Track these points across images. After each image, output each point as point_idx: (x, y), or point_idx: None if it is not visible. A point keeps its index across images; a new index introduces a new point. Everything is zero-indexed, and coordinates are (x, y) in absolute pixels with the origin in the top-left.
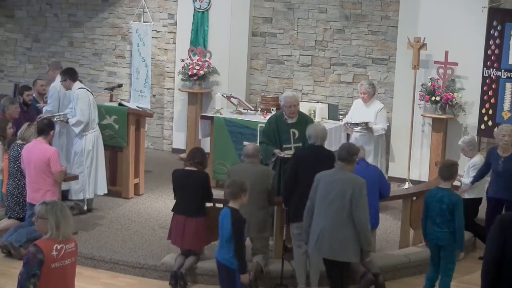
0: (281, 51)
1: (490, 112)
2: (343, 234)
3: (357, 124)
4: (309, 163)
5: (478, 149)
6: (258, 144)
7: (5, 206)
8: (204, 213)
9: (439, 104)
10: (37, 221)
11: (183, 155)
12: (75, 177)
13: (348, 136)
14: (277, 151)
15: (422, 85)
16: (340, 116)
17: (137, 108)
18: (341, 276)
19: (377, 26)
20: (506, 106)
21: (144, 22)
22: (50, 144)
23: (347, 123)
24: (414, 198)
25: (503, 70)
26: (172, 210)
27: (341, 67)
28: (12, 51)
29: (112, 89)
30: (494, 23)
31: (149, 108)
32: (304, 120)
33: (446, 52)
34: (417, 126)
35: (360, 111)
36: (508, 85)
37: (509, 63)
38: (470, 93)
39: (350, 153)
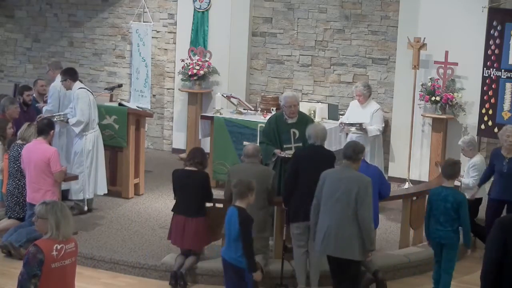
0: (281, 51)
1: (490, 112)
2: (349, 232)
3: (351, 125)
4: (309, 163)
5: (478, 149)
6: (258, 144)
7: (5, 206)
8: (204, 213)
9: (439, 104)
10: (37, 221)
11: (183, 155)
12: (75, 177)
13: (347, 136)
14: (277, 151)
15: (422, 85)
16: (340, 116)
17: (137, 108)
18: (355, 276)
19: (377, 26)
20: (506, 106)
21: (144, 22)
22: (50, 144)
23: (341, 123)
24: (414, 198)
25: (503, 70)
26: (172, 210)
27: (341, 67)
28: (12, 51)
29: (112, 89)
30: (494, 23)
31: (149, 108)
32: (305, 120)
33: (446, 52)
34: (417, 126)
35: (356, 112)
36: (508, 85)
37: (509, 63)
38: (470, 93)
39: (355, 151)
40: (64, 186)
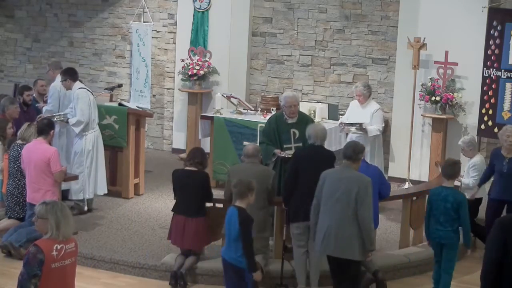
0: (281, 51)
1: (490, 112)
2: (349, 232)
3: (351, 125)
4: (309, 163)
5: (478, 149)
6: (258, 144)
7: (5, 206)
8: (204, 213)
9: (439, 104)
10: (37, 221)
11: (183, 155)
12: (75, 177)
13: (347, 136)
14: (277, 151)
15: (422, 85)
16: (340, 116)
17: (137, 108)
18: (355, 276)
19: (377, 26)
20: (506, 106)
21: (144, 22)
22: (50, 144)
23: (341, 123)
24: (414, 198)
25: (503, 70)
26: (172, 210)
27: (341, 67)
28: (12, 51)
29: (112, 89)
30: (494, 23)
31: (149, 108)
32: (305, 120)
33: (446, 52)
34: (417, 126)
35: (356, 112)
36: (508, 85)
37: (509, 63)
38: (470, 93)
39: (355, 151)
40: (64, 186)
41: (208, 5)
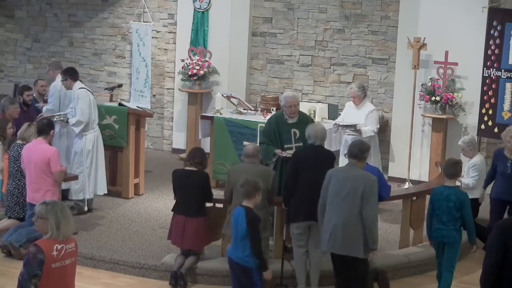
0: (281, 51)
1: (490, 112)
2: (355, 230)
3: (345, 126)
4: (309, 163)
5: (478, 149)
6: (258, 145)
7: (5, 206)
8: (204, 213)
9: (439, 104)
10: (37, 221)
11: (183, 155)
12: (75, 177)
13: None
14: (278, 151)
15: (422, 85)
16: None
17: (137, 108)
18: (365, 274)
19: (377, 26)
20: (506, 106)
21: (144, 22)
22: (50, 144)
23: (335, 124)
24: (414, 198)
25: (503, 70)
26: (172, 210)
27: (341, 67)
28: (12, 51)
29: (112, 89)
30: (494, 23)
31: (149, 108)
32: (305, 120)
33: (446, 52)
34: (417, 126)
35: (351, 113)
36: (508, 85)
37: (509, 63)
38: (470, 93)
39: (361, 150)
40: (64, 185)
41: (208, 5)
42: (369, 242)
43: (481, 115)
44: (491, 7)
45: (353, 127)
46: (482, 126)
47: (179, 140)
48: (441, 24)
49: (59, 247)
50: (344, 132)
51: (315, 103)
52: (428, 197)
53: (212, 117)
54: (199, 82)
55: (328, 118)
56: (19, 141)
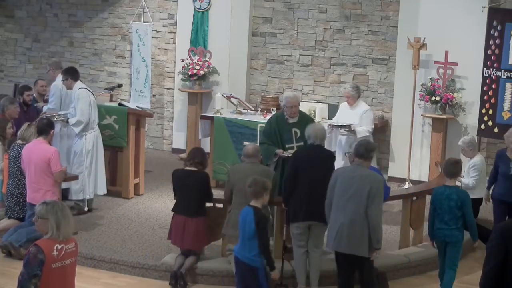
0: (281, 51)
1: (490, 112)
2: (361, 229)
3: (340, 127)
4: (309, 163)
5: (478, 149)
6: (258, 145)
7: (5, 206)
8: (204, 213)
9: (439, 104)
10: (38, 221)
11: (183, 155)
12: (75, 177)
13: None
14: (279, 151)
15: (422, 85)
16: None
17: (137, 108)
18: (371, 273)
19: (377, 26)
20: (506, 106)
21: (144, 22)
22: (50, 144)
23: (329, 125)
24: (414, 198)
25: (503, 70)
26: (172, 210)
27: (341, 67)
28: (12, 51)
29: (112, 89)
30: (494, 23)
31: (149, 108)
32: (305, 120)
33: (446, 52)
34: (417, 126)
35: (346, 114)
36: (508, 85)
37: (509, 63)
38: (470, 93)
39: (367, 149)
40: (64, 185)
41: (208, 5)
42: (373, 241)
43: (481, 115)
44: (491, 7)
45: (348, 127)
46: (482, 126)
47: (179, 140)
48: (441, 24)
49: (59, 247)
50: (339, 132)
51: (315, 103)
52: (428, 197)
53: (212, 117)
54: (199, 82)
55: (328, 118)
56: (19, 141)
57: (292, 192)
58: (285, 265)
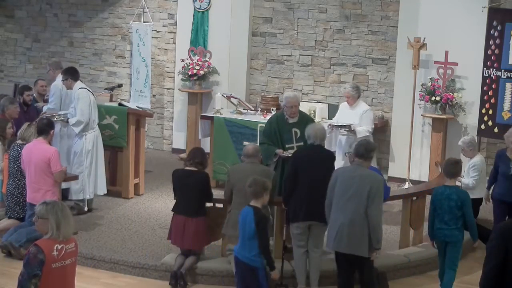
0: (281, 51)
1: (490, 112)
2: (361, 229)
3: (340, 127)
4: (308, 163)
5: (478, 149)
6: (258, 145)
7: (5, 206)
8: (204, 213)
9: (439, 104)
10: (38, 221)
11: (183, 155)
12: (75, 177)
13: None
14: (279, 151)
15: (422, 85)
16: None
17: (137, 108)
18: (371, 272)
19: (377, 26)
20: (506, 106)
21: (144, 22)
22: (50, 144)
23: (329, 125)
24: (414, 198)
25: (503, 70)
26: (172, 210)
27: (341, 67)
28: (12, 51)
29: (112, 89)
30: (494, 23)
31: (149, 108)
32: (305, 120)
33: (446, 52)
34: (417, 126)
35: (346, 114)
36: (508, 85)
37: (509, 63)
38: (470, 93)
39: (367, 149)
40: (64, 185)
41: (208, 5)
42: (373, 241)
43: (481, 115)
44: (491, 7)
45: (348, 127)
46: (482, 126)
47: (179, 140)
48: (441, 24)
49: (59, 247)
50: (339, 132)
51: (315, 103)
52: (428, 197)
53: (212, 117)
54: (199, 82)
55: (328, 118)
56: (19, 141)
57: (292, 192)
58: (285, 265)
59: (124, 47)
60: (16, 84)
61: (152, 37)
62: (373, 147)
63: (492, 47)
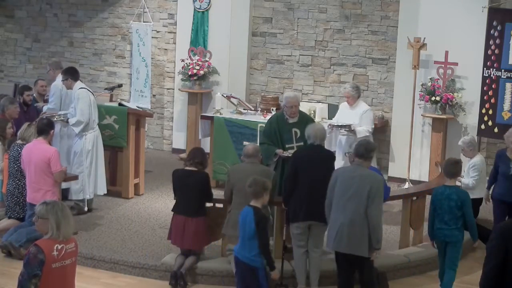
0: (281, 51)
1: (490, 112)
2: (361, 229)
3: (340, 127)
4: (308, 163)
5: (478, 149)
6: (258, 145)
7: (5, 206)
8: (204, 213)
9: (439, 104)
10: (38, 221)
11: (183, 155)
12: (75, 177)
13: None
14: (279, 151)
15: (422, 85)
16: None
17: (137, 108)
18: (371, 272)
19: (377, 26)
20: (506, 106)
21: (144, 22)
22: (50, 144)
23: (330, 125)
24: (414, 198)
25: (503, 70)
26: (172, 210)
27: (341, 67)
28: (12, 51)
29: (112, 89)
30: (494, 23)
31: (149, 108)
32: (305, 120)
33: (446, 52)
34: (417, 126)
35: (346, 114)
36: (508, 85)
37: (509, 63)
38: (470, 93)
39: (367, 149)
40: (64, 185)
41: (208, 5)
42: (373, 241)
43: (481, 115)
44: (491, 7)
45: (348, 128)
46: (482, 126)
47: (179, 140)
48: (441, 24)
49: (59, 247)
50: (339, 132)
51: (315, 103)
52: (428, 197)
53: (212, 117)
54: (199, 82)
55: (328, 118)
56: (19, 141)
57: (292, 192)
58: (285, 265)
59: (124, 47)
60: (16, 84)
61: (152, 37)
62: (373, 147)
63: (492, 47)
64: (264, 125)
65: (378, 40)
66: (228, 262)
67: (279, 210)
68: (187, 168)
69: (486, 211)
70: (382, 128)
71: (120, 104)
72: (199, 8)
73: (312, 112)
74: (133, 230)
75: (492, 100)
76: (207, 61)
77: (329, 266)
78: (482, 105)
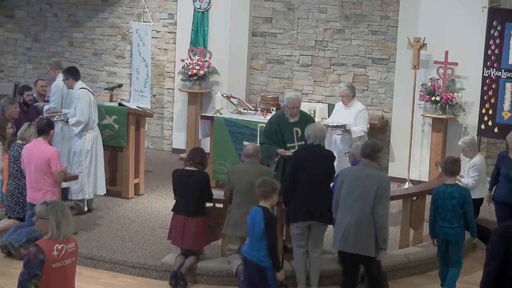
0: (281, 51)
1: (490, 112)
2: (368, 229)
3: (335, 127)
4: (308, 162)
5: (478, 149)
6: (258, 145)
7: (5, 206)
8: (204, 213)
9: (439, 104)
10: (38, 221)
11: (183, 155)
12: (75, 177)
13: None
14: (280, 150)
15: (422, 85)
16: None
17: (137, 108)
18: (379, 272)
19: (377, 26)
20: (506, 106)
21: (144, 22)
22: (50, 144)
23: (325, 125)
24: (414, 198)
25: (503, 70)
26: (172, 210)
27: (341, 67)
28: (12, 51)
29: (112, 89)
30: (494, 23)
31: (149, 108)
32: (306, 119)
33: (446, 52)
34: (417, 126)
35: (341, 113)
36: (508, 85)
37: (509, 63)
38: (470, 93)
39: (374, 150)
40: (64, 185)
41: (208, 5)
42: (379, 241)
43: (481, 115)
44: (491, 7)
45: (343, 128)
46: (482, 126)
47: (179, 140)
48: (441, 24)
49: (59, 247)
50: (334, 132)
51: (315, 103)
52: (428, 197)
53: (212, 117)
54: (199, 82)
55: (328, 118)
56: (19, 141)
57: (292, 192)
58: (285, 265)
59: (124, 47)
60: (16, 84)
61: (152, 37)
62: (380, 148)
63: (492, 47)
64: (264, 125)
65: (378, 40)
66: (228, 262)
67: (279, 210)
68: (187, 168)
69: (487, 211)
70: (382, 128)
71: (120, 104)
72: (199, 8)
73: (312, 112)
74: (133, 230)
75: (492, 100)
76: (207, 61)
77: (329, 266)
78: (482, 105)
